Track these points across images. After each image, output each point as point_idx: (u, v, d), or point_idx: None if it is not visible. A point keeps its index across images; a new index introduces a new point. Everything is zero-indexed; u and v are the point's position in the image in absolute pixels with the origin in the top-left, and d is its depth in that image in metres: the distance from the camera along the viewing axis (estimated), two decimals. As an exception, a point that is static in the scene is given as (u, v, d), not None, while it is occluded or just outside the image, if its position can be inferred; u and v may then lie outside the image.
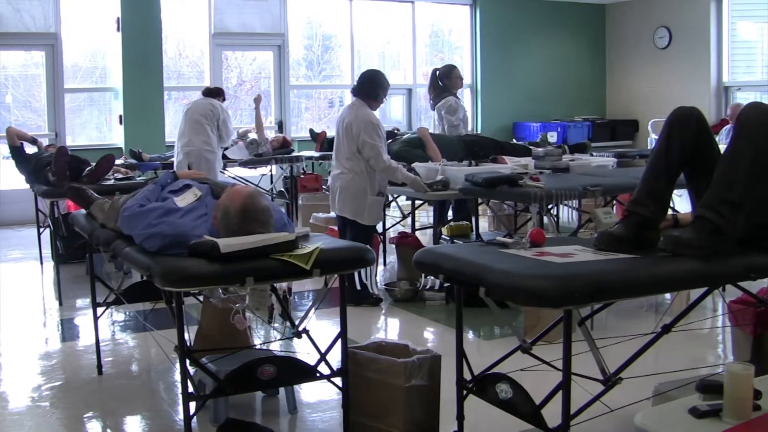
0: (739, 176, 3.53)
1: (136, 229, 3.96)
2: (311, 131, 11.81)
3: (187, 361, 3.81)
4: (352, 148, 6.97)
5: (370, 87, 7.13)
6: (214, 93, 9.24)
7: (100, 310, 5.39)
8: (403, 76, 14.35)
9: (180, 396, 3.85)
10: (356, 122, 6.96)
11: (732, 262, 3.56)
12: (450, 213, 8.82)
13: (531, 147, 8.85)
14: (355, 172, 7.02)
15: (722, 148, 3.75)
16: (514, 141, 11.64)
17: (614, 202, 7.45)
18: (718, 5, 14.06)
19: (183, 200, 4.13)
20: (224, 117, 8.97)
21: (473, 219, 8.23)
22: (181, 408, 3.86)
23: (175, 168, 8.40)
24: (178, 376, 4.06)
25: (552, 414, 3.42)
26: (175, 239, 3.78)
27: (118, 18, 11.92)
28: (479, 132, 14.04)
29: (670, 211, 3.98)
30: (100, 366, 5.45)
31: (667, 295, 6.43)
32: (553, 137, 13.06)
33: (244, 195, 3.92)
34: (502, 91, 14.46)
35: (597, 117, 15.53)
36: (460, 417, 3.95)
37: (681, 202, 7.44)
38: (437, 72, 9.47)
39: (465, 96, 14.56)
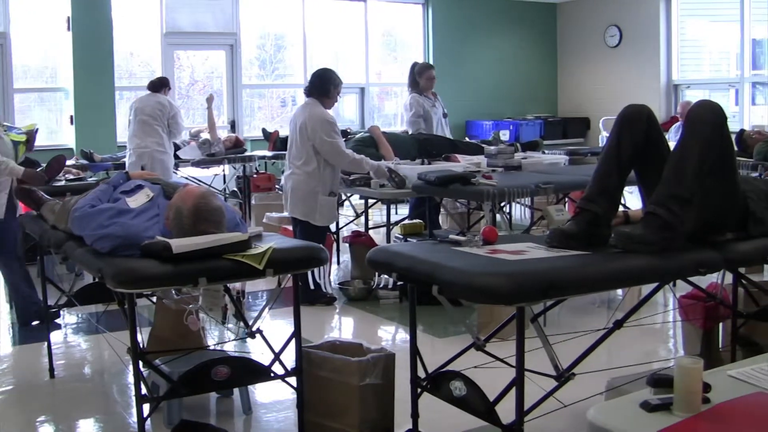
0: (688, 173, 3.57)
1: (87, 230, 3.93)
2: (264, 131, 11.77)
3: (140, 363, 3.79)
4: (306, 147, 6.94)
5: (323, 85, 7.10)
6: (159, 86, 9.16)
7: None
8: (355, 75, 14.34)
9: (133, 398, 3.82)
10: (311, 121, 6.93)
11: (682, 257, 3.60)
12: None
13: (483, 145, 8.88)
14: (307, 173, 7.00)
15: (672, 145, 3.79)
16: (467, 139, 11.65)
17: (566, 199, 7.52)
18: (668, 4, 14.18)
19: (135, 201, 4.10)
20: (174, 113, 8.92)
21: (430, 217, 8.25)
22: (134, 410, 3.83)
23: (127, 169, 8.33)
24: (131, 378, 4.03)
25: (506, 410, 3.45)
26: (127, 240, 3.76)
27: (68, 17, 11.79)
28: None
29: (621, 208, 4.01)
30: (52, 369, 5.40)
31: (619, 291, 6.48)
32: (505, 135, 13.12)
33: (196, 195, 3.90)
34: (455, 90, 14.47)
35: (549, 115, 15.61)
36: (415, 415, 3.96)
37: (632, 199, 7.50)
38: (415, 67, 9.52)
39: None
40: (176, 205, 3.88)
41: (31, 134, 7.77)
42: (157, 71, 12.53)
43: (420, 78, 9.36)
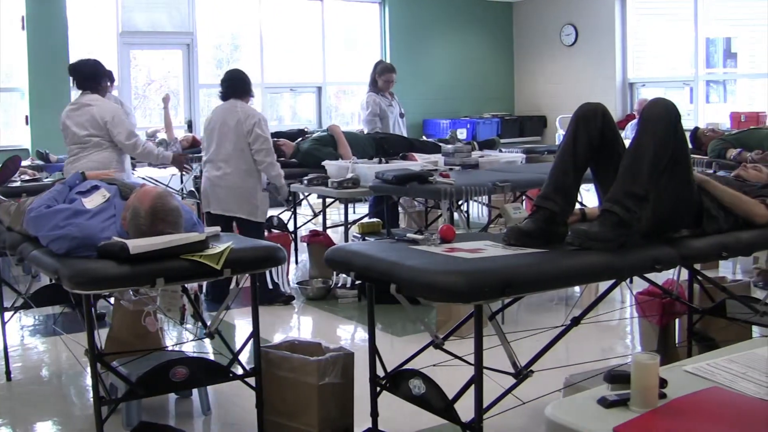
0: (643, 170, 3.60)
1: (43, 231, 3.90)
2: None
3: (98, 365, 3.76)
4: (241, 146, 6.95)
5: (244, 85, 7.18)
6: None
7: (7, 315, 5.30)
8: (312, 75, 14.32)
9: (92, 400, 3.80)
10: (249, 119, 6.98)
11: (638, 254, 3.63)
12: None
13: (440, 144, 8.91)
14: (245, 171, 7.01)
15: (628, 143, 3.82)
16: (424, 138, 11.67)
17: (523, 197, 7.54)
18: (623, 3, 14.29)
19: (91, 202, 4.07)
20: (127, 113, 8.86)
21: (388, 216, 8.26)
22: (93, 412, 3.80)
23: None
24: (89, 381, 4.01)
25: (465, 408, 3.46)
26: (84, 241, 3.73)
27: (22, 16, 11.68)
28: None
29: (577, 206, 4.04)
30: (8, 372, 5.34)
31: (577, 288, 6.52)
32: (462, 134, 13.18)
33: (153, 196, 3.88)
34: (412, 89, 14.48)
35: (506, 113, 15.67)
36: (374, 414, 3.97)
37: (589, 197, 7.55)
38: (377, 66, 9.55)
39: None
40: (133, 206, 3.86)
41: None
42: (113, 71, 12.42)
43: (379, 78, 9.40)
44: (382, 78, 9.41)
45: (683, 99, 13.54)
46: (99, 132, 6.74)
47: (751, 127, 9.64)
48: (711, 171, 7.65)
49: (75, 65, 7.03)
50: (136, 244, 3.60)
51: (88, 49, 12.51)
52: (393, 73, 9.50)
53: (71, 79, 6.97)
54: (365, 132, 9.31)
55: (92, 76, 6.99)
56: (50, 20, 11.79)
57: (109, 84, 8.48)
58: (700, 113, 13.28)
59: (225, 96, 7.18)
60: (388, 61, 14.19)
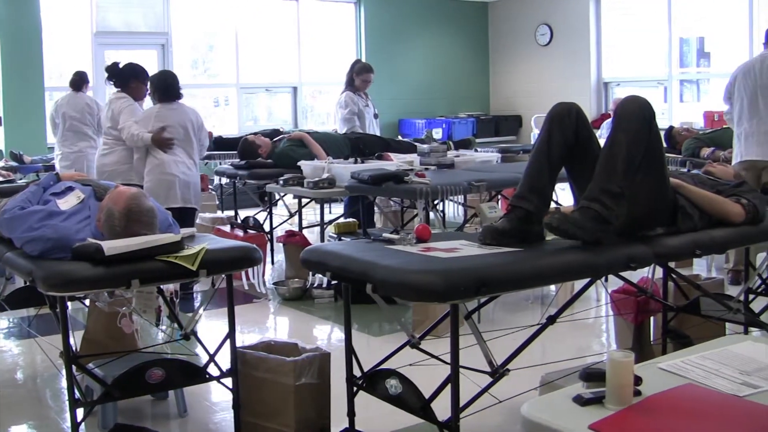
0: (618, 168, 3.62)
1: (17, 232, 3.88)
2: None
3: (74, 367, 3.75)
4: (194, 141, 7.21)
5: (178, 86, 7.36)
6: (81, 82, 9.07)
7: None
8: (288, 75, 14.30)
9: (67, 403, 3.78)
10: (198, 118, 7.31)
11: (613, 252, 3.65)
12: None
13: (416, 143, 8.92)
14: (195, 164, 7.30)
15: (603, 142, 3.84)
16: (400, 138, 11.70)
17: (499, 196, 7.56)
18: (597, 3, 14.34)
19: (66, 203, 4.05)
20: (101, 114, 8.84)
21: (364, 216, 8.26)
22: (68, 415, 3.79)
23: (58, 170, 8.23)
24: (64, 383, 3.99)
25: (442, 407, 3.47)
26: (58, 243, 3.71)
27: (-5, 17, 11.65)
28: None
29: (553, 205, 4.05)
30: (-17, 375, 5.32)
31: (552, 287, 6.55)
32: (438, 133, 13.20)
33: (128, 196, 3.87)
34: (387, 89, 14.50)
35: (481, 113, 15.70)
36: (351, 414, 3.97)
37: (564, 196, 7.57)
38: (355, 65, 9.58)
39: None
40: (107, 207, 3.84)
41: None
42: (87, 71, 12.36)
43: (357, 77, 9.43)
44: (360, 77, 9.43)
45: (657, 98, 13.60)
46: None
47: (725, 126, 9.68)
48: (685, 170, 7.70)
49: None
50: (111, 246, 3.58)
51: (63, 49, 12.47)
52: (371, 73, 9.53)
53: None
54: (342, 131, 9.30)
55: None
56: (24, 20, 11.73)
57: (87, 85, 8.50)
58: (674, 112, 13.35)
59: (169, 97, 7.30)
60: (363, 61, 14.23)
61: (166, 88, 7.16)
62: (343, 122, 9.45)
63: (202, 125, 7.28)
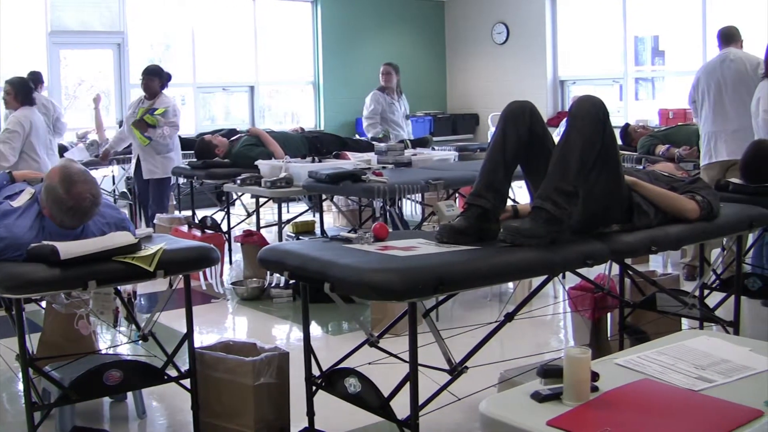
0: (572, 166, 3.64)
1: (-31, 234, 3.84)
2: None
3: (30, 370, 3.72)
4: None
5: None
6: (36, 82, 8.99)
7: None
8: (245, 74, 14.24)
9: (24, 406, 3.75)
10: None
11: (570, 250, 3.67)
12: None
13: (373, 142, 8.93)
14: None
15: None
16: (357, 137, 11.69)
17: (456, 195, 7.58)
18: (553, 2, 14.41)
19: (18, 202, 4.01)
20: (57, 114, 8.79)
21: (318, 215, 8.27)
22: (25, 419, 3.75)
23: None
24: (21, 386, 3.95)
25: (401, 405, 3.47)
26: (12, 242, 3.67)
27: (-54, 16, 11.51)
28: (322, 128, 14.08)
29: (509, 202, 4.07)
30: (-64, 379, 5.26)
31: (510, 284, 6.57)
32: (395, 132, 13.16)
33: (59, 167, 3.91)
34: (345, 88, 14.48)
35: (438, 112, 15.72)
36: (311, 413, 3.97)
37: (521, 193, 7.60)
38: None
39: (307, 92, 14.62)
40: (46, 185, 3.81)
41: None
42: (42, 71, 12.26)
43: (381, 76, 9.67)
44: (380, 73, 9.70)
45: (613, 96, 13.69)
46: None
47: (679, 123, 9.78)
48: (640, 167, 7.76)
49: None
50: (67, 249, 3.56)
51: (16, 48, 12.33)
52: (386, 66, 9.69)
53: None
54: (366, 131, 9.62)
55: None
56: (-24, 20, 11.60)
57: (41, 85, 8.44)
58: (630, 110, 13.44)
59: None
60: (320, 59, 14.26)
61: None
62: (364, 121, 9.81)
63: None
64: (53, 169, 3.91)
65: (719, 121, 7.00)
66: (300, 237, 7.85)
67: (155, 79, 8.56)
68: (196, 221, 8.04)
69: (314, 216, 8.63)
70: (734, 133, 6.90)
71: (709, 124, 7.09)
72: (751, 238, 5.63)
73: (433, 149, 9.81)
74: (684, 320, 5.21)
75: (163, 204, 8.72)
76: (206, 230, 7.77)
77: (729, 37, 7.22)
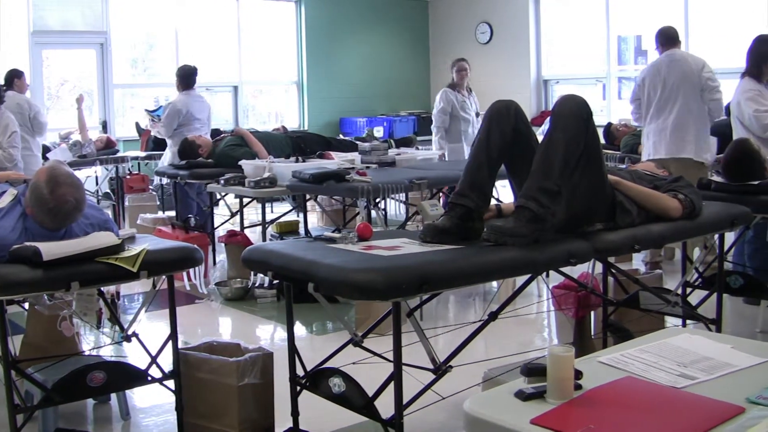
0: (555, 166, 3.65)
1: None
2: (137, 125, 11.67)
3: (13, 372, 3.70)
4: None
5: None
6: (11, 79, 8.96)
7: None
8: (228, 74, 14.22)
9: (6, 408, 3.74)
10: None
11: (553, 249, 3.68)
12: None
13: (357, 142, 8.93)
14: None
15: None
16: (341, 136, 11.69)
17: (440, 194, 7.59)
18: (537, 1, 14.43)
19: (0, 204, 4.00)
20: (35, 112, 8.70)
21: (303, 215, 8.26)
22: (8, 421, 3.74)
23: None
24: (3, 388, 3.93)
25: (385, 405, 3.47)
26: (-5, 242, 3.66)
27: (-73, 16, 11.45)
28: (306, 128, 14.07)
29: (493, 201, 4.08)
30: None
31: (494, 283, 6.58)
32: (379, 132, 13.20)
33: (47, 167, 3.89)
34: (328, 87, 14.49)
35: (422, 111, 15.70)
36: (295, 413, 3.97)
37: (505, 192, 7.61)
38: (453, 63, 10.09)
39: (291, 92, 14.61)
40: (32, 183, 3.79)
41: None
42: (24, 71, 12.21)
43: (455, 73, 9.64)
44: (453, 71, 9.87)
45: (596, 95, 13.72)
46: None
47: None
48: (623, 166, 7.79)
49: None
50: (50, 250, 3.54)
51: (-1, 49, 12.27)
52: (461, 62, 9.96)
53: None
54: (433, 131, 9.74)
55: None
56: (-43, 20, 11.55)
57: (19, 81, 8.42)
58: (613, 109, 13.46)
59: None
60: (304, 59, 14.24)
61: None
62: (434, 119, 9.86)
63: None
64: (42, 168, 3.90)
65: (662, 120, 7.10)
66: (284, 237, 7.85)
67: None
68: (180, 221, 8.02)
69: (298, 216, 8.65)
70: (674, 132, 7.02)
71: (653, 123, 7.18)
72: (732, 236, 5.66)
73: (417, 149, 9.83)
74: (667, 318, 5.23)
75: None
76: (190, 230, 7.76)
77: (671, 37, 7.35)
